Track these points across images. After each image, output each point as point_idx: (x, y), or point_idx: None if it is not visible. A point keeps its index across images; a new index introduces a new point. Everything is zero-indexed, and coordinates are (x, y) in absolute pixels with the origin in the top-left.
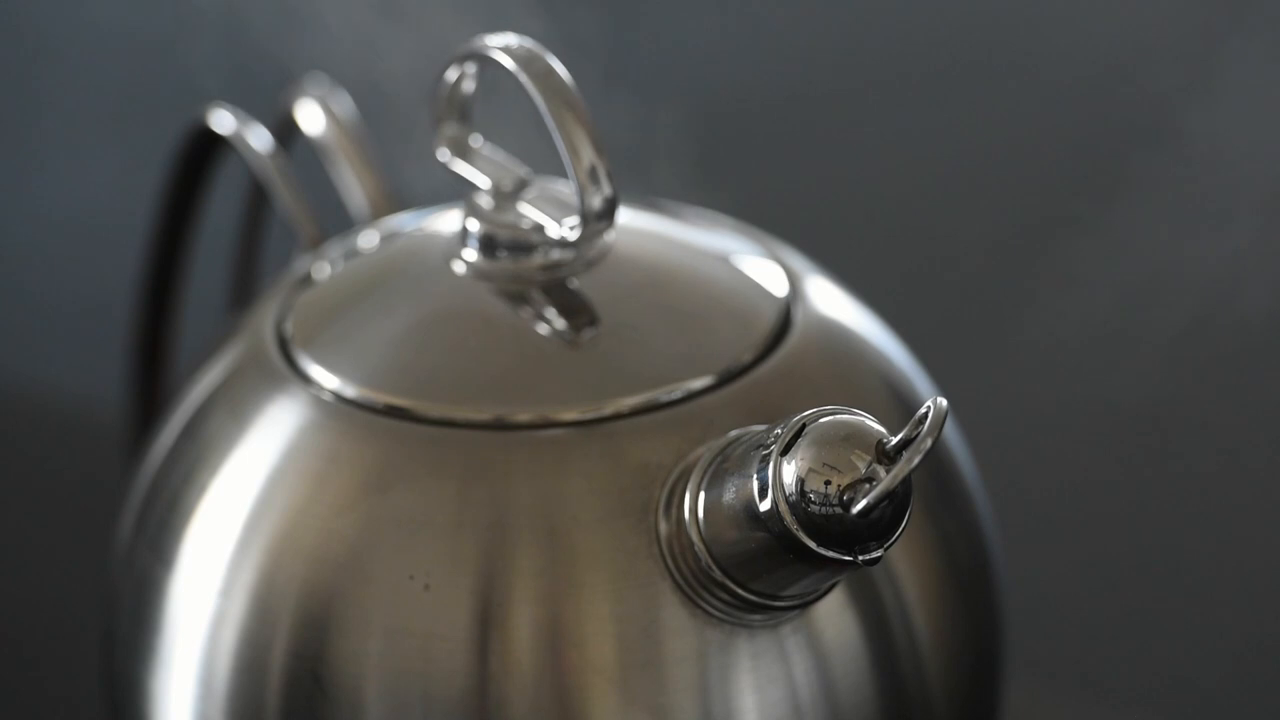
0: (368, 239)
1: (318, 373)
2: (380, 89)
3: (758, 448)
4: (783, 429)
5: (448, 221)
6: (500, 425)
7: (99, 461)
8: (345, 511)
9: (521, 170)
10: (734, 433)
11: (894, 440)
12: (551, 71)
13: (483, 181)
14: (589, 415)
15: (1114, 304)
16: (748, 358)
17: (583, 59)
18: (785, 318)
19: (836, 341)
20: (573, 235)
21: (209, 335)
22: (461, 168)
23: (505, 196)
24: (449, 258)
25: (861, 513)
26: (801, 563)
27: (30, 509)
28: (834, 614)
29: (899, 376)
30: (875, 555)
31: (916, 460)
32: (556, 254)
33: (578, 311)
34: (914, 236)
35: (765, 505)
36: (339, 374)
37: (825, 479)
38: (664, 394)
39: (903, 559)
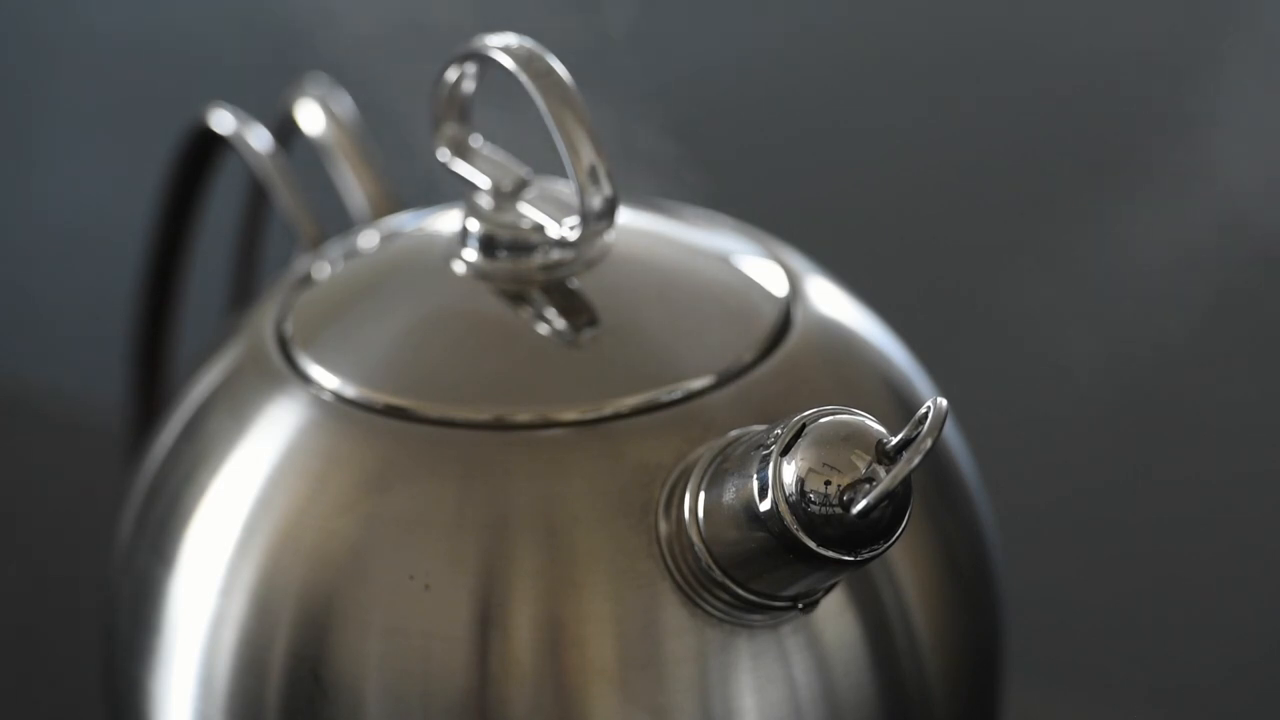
0: (368, 239)
1: (318, 373)
2: (380, 89)
3: (758, 448)
4: (783, 429)
5: (448, 221)
6: (500, 425)
7: (99, 461)
8: (345, 511)
9: (521, 170)
10: (734, 433)
11: (894, 440)
12: (551, 71)
13: (483, 181)
14: (589, 415)
15: (1115, 304)
16: (748, 358)
17: (580, 57)
18: (785, 318)
19: (836, 341)
20: (573, 235)
21: (209, 335)
22: (461, 168)
23: (505, 196)
24: (449, 258)
25: (861, 513)
26: (801, 563)
27: (30, 509)
28: (834, 614)
29: (899, 376)
30: (866, 557)
31: (916, 460)
32: (556, 254)
33: (578, 311)
34: (914, 236)
35: (765, 505)
36: (339, 374)
37: (825, 479)
38: (664, 394)
39: (903, 559)
